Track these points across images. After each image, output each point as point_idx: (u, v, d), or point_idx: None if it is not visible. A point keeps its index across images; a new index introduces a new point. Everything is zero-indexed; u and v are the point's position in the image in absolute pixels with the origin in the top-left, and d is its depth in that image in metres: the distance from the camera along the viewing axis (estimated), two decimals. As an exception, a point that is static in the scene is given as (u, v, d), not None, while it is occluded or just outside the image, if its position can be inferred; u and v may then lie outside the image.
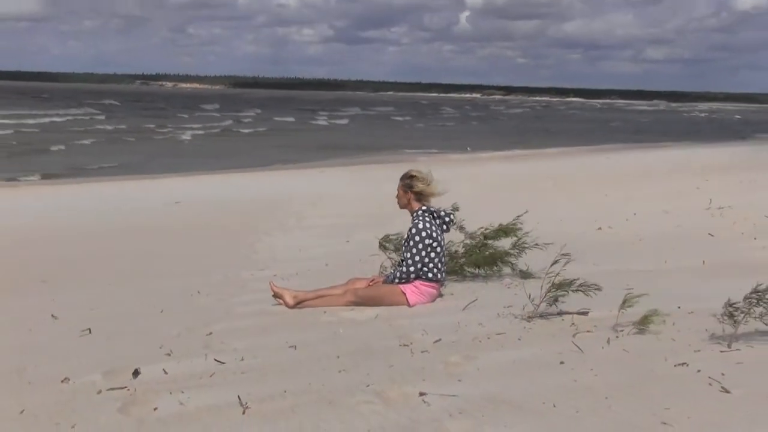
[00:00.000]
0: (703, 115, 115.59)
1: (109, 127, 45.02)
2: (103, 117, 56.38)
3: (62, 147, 31.03)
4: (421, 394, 3.50)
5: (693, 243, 8.40)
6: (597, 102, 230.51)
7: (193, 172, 22.35)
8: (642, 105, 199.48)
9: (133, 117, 57.54)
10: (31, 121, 47.17)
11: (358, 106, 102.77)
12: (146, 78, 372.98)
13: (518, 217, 6.60)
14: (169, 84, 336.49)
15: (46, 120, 49.61)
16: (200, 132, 43.72)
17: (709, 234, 8.81)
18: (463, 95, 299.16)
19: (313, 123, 60.75)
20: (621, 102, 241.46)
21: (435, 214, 5.78)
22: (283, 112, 76.96)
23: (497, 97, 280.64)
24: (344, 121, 64.53)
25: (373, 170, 21.40)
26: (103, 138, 37.10)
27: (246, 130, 47.44)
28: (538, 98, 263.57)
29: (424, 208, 5.76)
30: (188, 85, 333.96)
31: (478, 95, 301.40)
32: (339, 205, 13.42)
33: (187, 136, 40.59)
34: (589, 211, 11.34)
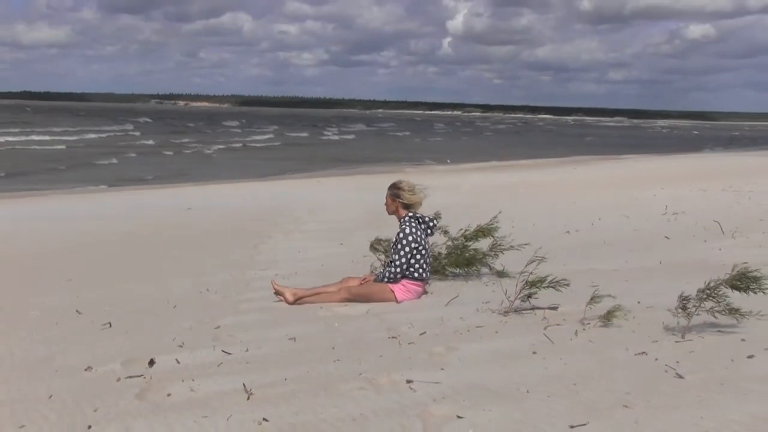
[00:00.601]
0: (664, 131, 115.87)
1: (149, 142, 44.83)
2: (138, 133, 55.87)
3: (114, 160, 30.97)
4: (408, 381, 3.49)
5: (651, 245, 8.41)
6: (569, 119, 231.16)
7: (208, 181, 22.29)
8: (608, 121, 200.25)
9: (165, 133, 56.94)
10: (75, 138, 46.81)
11: (362, 123, 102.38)
12: (161, 97, 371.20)
13: (494, 218, 6.57)
14: (182, 103, 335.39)
15: (92, 136, 49.31)
16: (223, 147, 43.44)
17: (665, 237, 8.83)
18: (446, 112, 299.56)
19: (324, 138, 60.39)
20: (589, 119, 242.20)
21: (420, 220, 5.77)
22: (296, 128, 76.69)
23: (477, 114, 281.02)
24: (351, 136, 64.03)
25: (366, 180, 21.38)
26: (145, 152, 37.19)
27: (265, 145, 47.10)
28: (513, 115, 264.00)
29: (410, 214, 5.74)
30: (199, 104, 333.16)
31: (459, 112, 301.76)
32: (335, 212, 13.36)
33: (212, 150, 40.43)
34: (558, 217, 11.34)
